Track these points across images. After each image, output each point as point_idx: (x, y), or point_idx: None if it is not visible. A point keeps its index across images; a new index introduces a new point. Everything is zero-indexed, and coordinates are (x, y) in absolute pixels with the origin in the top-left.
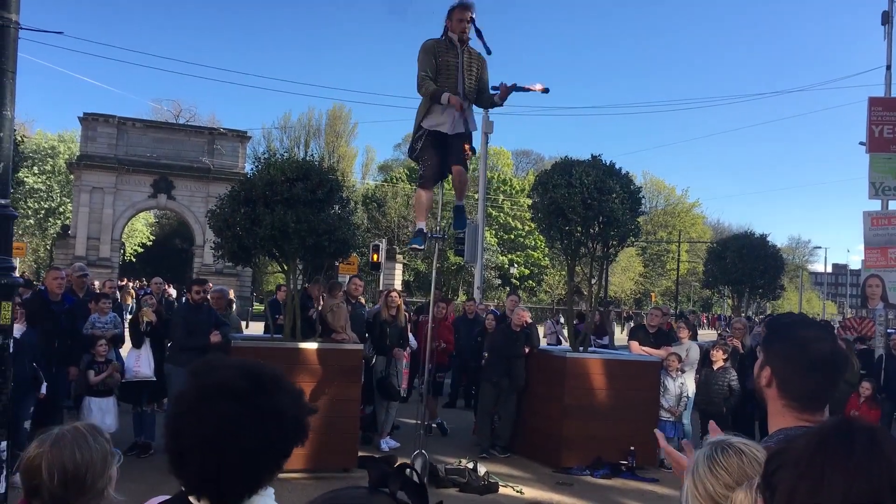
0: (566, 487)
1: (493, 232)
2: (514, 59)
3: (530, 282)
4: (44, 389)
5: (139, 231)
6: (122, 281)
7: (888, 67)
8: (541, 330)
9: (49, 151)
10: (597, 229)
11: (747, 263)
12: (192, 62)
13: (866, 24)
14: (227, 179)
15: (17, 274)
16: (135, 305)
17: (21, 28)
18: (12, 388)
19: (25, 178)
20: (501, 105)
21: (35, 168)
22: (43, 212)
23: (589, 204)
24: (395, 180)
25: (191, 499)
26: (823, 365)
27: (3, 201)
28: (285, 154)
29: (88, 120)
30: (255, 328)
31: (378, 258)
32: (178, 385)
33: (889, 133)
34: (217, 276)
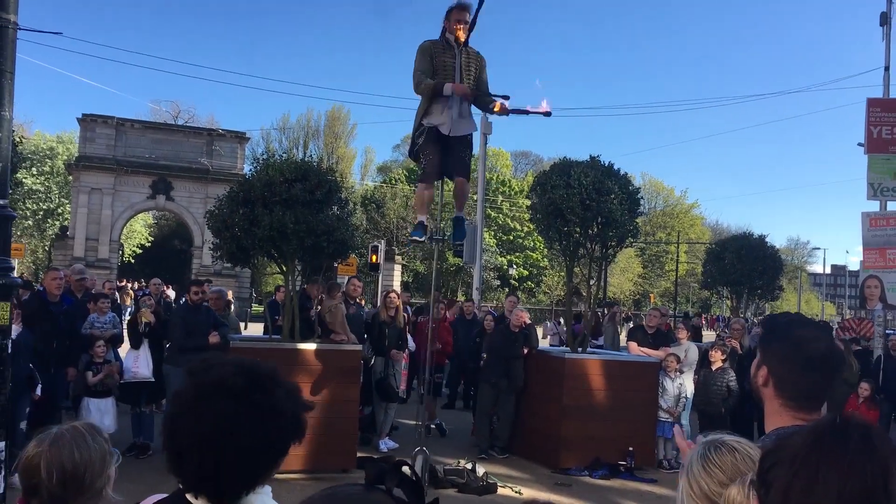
0: (565, 488)
1: (492, 233)
2: (513, 59)
3: (529, 283)
4: (39, 390)
5: (138, 232)
6: (120, 282)
7: (887, 68)
8: (539, 331)
9: (47, 152)
10: (595, 230)
11: (746, 264)
12: (191, 63)
13: (865, 25)
14: (226, 180)
15: (15, 275)
16: (133, 306)
17: (19, 29)
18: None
19: (24, 179)
20: (495, 114)
21: (33, 169)
22: (41, 213)
23: (587, 205)
24: (393, 181)
25: (188, 497)
26: (820, 364)
27: (1, 202)
28: (284, 155)
29: (87, 121)
30: (255, 329)
31: (377, 259)
32: (177, 385)
33: (888, 134)
34: (216, 277)
